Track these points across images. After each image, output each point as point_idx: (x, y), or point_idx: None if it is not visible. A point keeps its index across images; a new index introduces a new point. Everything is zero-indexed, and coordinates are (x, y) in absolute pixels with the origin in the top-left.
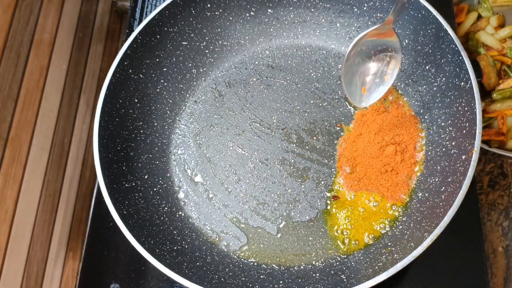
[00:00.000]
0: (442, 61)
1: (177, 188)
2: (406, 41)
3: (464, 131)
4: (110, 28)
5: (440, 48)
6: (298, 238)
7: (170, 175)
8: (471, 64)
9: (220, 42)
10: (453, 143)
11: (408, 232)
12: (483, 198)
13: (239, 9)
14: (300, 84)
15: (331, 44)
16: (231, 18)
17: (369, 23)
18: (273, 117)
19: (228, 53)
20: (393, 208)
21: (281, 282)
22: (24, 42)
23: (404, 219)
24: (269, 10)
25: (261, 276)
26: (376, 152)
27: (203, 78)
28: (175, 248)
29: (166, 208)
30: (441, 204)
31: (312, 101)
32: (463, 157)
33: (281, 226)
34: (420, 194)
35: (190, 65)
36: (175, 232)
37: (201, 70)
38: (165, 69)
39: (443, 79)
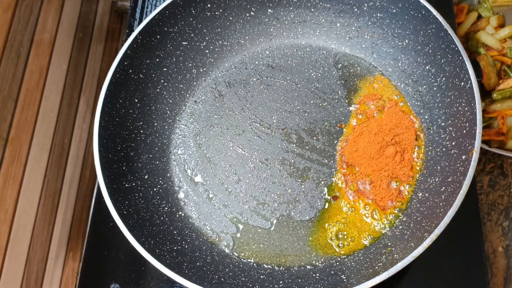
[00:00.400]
0: (442, 61)
1: (177, 188)
2: (406, 41)
3: (464, 131)
4: (110, 28)
5: (440, 48)
6: (298, 238)
7: (170, 175)
8: (471, 64)
9: (220, 42)
10: (453, 143)
11: (408, 232)
12: (483, 198)
13: (239, 9)
14: (300, 84)
15: (331, 44)
16: (231, 18)
17: (369, 23)
18: (273, 117)
19: (228, 53)
20: (393, 209)
21: (281, 282)
22: (24, 42)
23: (404, 219)
24: (269, 10)
25: (261, 276)
26: (376, 152)
27: (203, 78)
28: (175, 248)
29: (166, 208)
30: (441, 204)
31: (312, 101)
32: (463, 157)
33: (281, 226)
34: (420, 194)
35: (190, 65)
36: (175, 232)
37: (201, 70)
38: (165, 69)
39: (443, 79)
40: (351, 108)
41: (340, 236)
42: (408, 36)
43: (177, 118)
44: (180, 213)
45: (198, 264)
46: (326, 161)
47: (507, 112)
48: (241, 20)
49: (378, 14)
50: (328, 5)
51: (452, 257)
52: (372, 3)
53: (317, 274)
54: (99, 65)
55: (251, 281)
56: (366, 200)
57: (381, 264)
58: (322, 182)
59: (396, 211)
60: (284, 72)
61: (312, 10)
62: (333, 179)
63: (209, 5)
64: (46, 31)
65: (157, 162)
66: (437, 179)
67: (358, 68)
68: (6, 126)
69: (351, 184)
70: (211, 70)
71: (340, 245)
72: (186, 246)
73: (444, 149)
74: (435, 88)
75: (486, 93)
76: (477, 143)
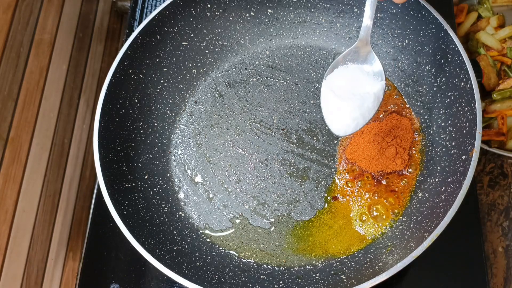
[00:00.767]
0: (442, 61)
1: (177, 188)
2: (406, 41)
3: (464, 131)
4: (110, 28)
5: (440, 48)
6: (298, 238)
7: (170, 175)
8: (471, 64)
9: (220, 42)
10: (453, 143)
11: (408, 232)
12: (483, 198)
13: (239, 9)
14: (300, 84)
15: (331, 44)
16: (231, 18)
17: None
18: (273, 117)
19: (228, 53)
20: (393, 209)
21: (281, 282)
22: (24, 42)
23: (404, 219)
24: (269, 10)
25: (261, 276)
26: (376, 152)
27: (203, 78)
28: (175, 248)
29: (166, 208)
30: (441, 204)
31: (312, 101)
32: (463, 157)
33: (281, 226)
34: (420, 194)
35: (190, 65)
36: (175, 232)
37: (201, 70)
38: (165, 69)
39: (443, 79)
40: None
41: (340, 236)
42: (408, 36)
43: (177, 118)
44: (180, 213)
45: (198, 264)
46: (326, 161)
47: (507, 112)
48: (241, 20)
49: (378, 14)
50: (328, 5)
51: (452, 257)
52: None
53: (317, 274)
54: (99, 65)
55: (251, 281)
56: (367, 200)
57: (381, 264)
58: (322, 182)
59: (396, 212)
60: (284, 72)
61: (312, 10)
62: (333, 179)
63: (209, 5)
64: (46, 31)
65: (157, 162)
66: (437, 179)
67: None
68: (6, 126)
69: (351, 184)
70: (211, 70)
71: (340, 245)
72: (186, 246)
73: (444, 149)
74: (435, 88)
75: (486, 93)
76: (477, 143)
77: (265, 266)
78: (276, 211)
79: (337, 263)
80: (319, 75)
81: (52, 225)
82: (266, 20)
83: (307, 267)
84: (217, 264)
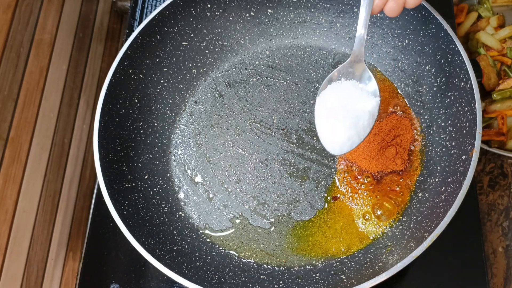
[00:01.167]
0: (442, 61)
1: (177, 188)
2: (406, 41)
3: (464, 131)
4: (110, 28)
5: (440, 48)
6: (298, 238)
7: (170, 175)
8: (471, 64)
9: (220, 42)
10: (453, 143)
11: (408, 232)
12: (483, 198)
13: (239, 9)
14: (300, 84)
15: (331, 44)
16: (231, 18)
17: (369, 23)
18: (273, 117)
19: (228, 53)
20: (396, 208)
21: (281, 282)
22: (24, 42)
23: (404, 219)
24: (269, 10)
25: (261, 276)
26: (376, 152)
27: (203, 78)
28: (175, 248)
29: (166, 208)
30: (441, 204)
31: (312, 101)
32: (463, 157)
33: (281, 226)
34: (420, 194)
35: (190, 65)
36: (175, 232)
37: (201, 70)
38: (165, 69)
39: (443, 79)
40: None
41: (341, 235)
42: (408, 36)
43: (177, 118)
44: (180, 213)
45: (198, 264)
46: (326, 161)
47: (507, 112)
48: (241, 20)
49: (378, 14)
50: (328, 6)
51: (452, 257)
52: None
53: (317, 274)
54: (99, 65)
55: (251, 281)
56: (367, 199)
57: (381, 264)
58: (322, 182)
59: (396, 212)
60: (284, 72)
61: (312, 10)
62: (333, 179)
63: (209, 5)
64: (46, 31)
65: (157, 162)
66: (437, 179)
67: None
68: (6, 126)
69: (351, 184)
70: (211, 70)
71: (340, 245)
72: (186, 246)
73: (444, 149)
74: (435, 88)
75: (486, 93)
76: (477, 143)
77: (265, 266)
78: (276, 211)
79: (337, 263)
80: (319, 75)
81: (52, 225)
82: (266, 20)
83: (307, 267)
84: (217, 264)
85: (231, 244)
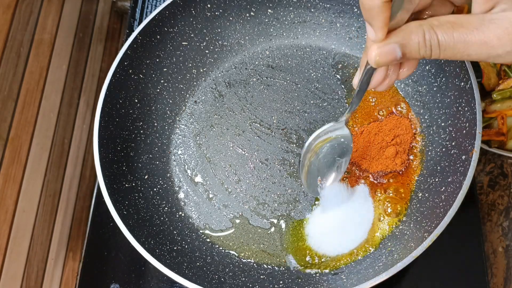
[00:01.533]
0: (442, 61)
1: (177, 188)
2: None
3: (464, 131)
4: (110, 28)
5: None
6: (298, 238)
7: (170, 175)
8: (471, 64)
9: (220, 42)
10: (453, 143)
11: (408, 232)
12: (483, 198)
13: (239, 9)
14: (300, 84)
15: (331, 45)
16: (231, 18)
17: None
18: (273, 117)
19: (228, 53)
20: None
21: (281, 282)
22: (24, 42)
23: (404, 219)
24: (269, 10)
25: (261, 276)
26: (376, 152)
27: (203, 78)
28: (175, 248)
29: (166, 208)
30: (441, 204)
31: (312, 101)
32: (463, 157)
33: (281, 226)
34: (420, 194)
35: (190, 65)
36: (175, 232)
37: (201, 70)
38: (165, 69)
39: (443, 79)
40: None
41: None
42: None
43: (177, 118)
44: (180, 213)
45: (198, 264)
46: None
47: (507, 112)
48: (241, 20)
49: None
50: (328, 6)
51: (452, 257)
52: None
53: (317, 274)
54: (99, 65)
55: (251, 281)
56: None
57: (381, 264)
58: None
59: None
60: (284, 72)
61: (312, 10)
62: None
63: (209, 5)
64: (46, 31)
65: (157, 162)
66: (437, 179)
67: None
68: (6, 126)
69: (350, 184)
70: (211, 70)
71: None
72: (186, 246)
73: (444, 149)
74: (435, 88)
75: (486, 93)
76: (477, 143)
77: (265, 266)
78: (276, 211)
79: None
80: (319, 75)
81: (52, 225)
82: (266, 20)
83: None
84: (217, 264)
85: (231, 244)
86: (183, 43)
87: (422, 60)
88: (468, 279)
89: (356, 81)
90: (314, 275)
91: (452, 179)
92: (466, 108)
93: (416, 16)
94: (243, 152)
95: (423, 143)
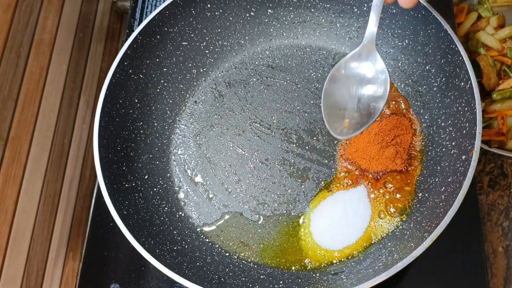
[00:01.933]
0: (442, 61)
1: (177, 188)
2: (406, 41)
3: (464, 131)
4: (110, 28)
5: (440, 48)
6: (299, 238)
7: (170, 175)
8: (471, 64)
9: (220, 42)
10: (453, 143)
11: (408, 232)
12: (483, 198)
13: (239, 9)
14: (300, 84)
15: (331, 45)
16: (231, 18)
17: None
18: (273, 117)
19: (228, 53)
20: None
21: (281, 282)
22: (24, 42)
23: (404, 219)
24: (269, 10)
25: (261, 276)
26: (376, 152)
27: (203, 78)
28: (175, 248)
29: (166, 208)
30: (441, 204)
31: (312, 101)
32: (463, 157)
33: (281, 226)
34: (420, 194)
35: (190, 65)
36: (175, 232)
37: (201, 70)
38: (165, 69)
39: (443, 79)
40: None
41: None
42: (408, 36)
43: (177, 118)
44: (180, 213)
45: (198, 264)
46: (326, 161)
47: (507, 112)
48: (241, 20)
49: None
50: (328, 6)
51: (452, 257)
52: (372, 3)
53: (317, 274)
54: (99, 65)
55: (251, 281)
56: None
57: (381, 264)
58: (322, 182)
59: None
60: (284, 72)
61: (312, 10)
62: (333, 179)
63: (209, 5)
64: (46, 31)
65: (157, 162)
66: (437, 179)
67: None
68: (6, 126)
69: (350, 184)
70: (211, 70)
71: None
72: (186, 246)
73: (444, 149)
74: (435, 88)
75: (486, 93)
76: (477, 143)
77: (265, 266)
78: (276, 211)
79: (337, 263)
80: (319, 75)
81: (52, 225)
82: (266, 20)
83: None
84: (217, 264)
85: (231, 244)
86: (183, 43)
87: (422, 60)
88: (468, 279)
89: None
90: (314, 275)
91: (452, 179)
92: (466, 108)
93: None
94: (243, 152)
95: (423, 143)
